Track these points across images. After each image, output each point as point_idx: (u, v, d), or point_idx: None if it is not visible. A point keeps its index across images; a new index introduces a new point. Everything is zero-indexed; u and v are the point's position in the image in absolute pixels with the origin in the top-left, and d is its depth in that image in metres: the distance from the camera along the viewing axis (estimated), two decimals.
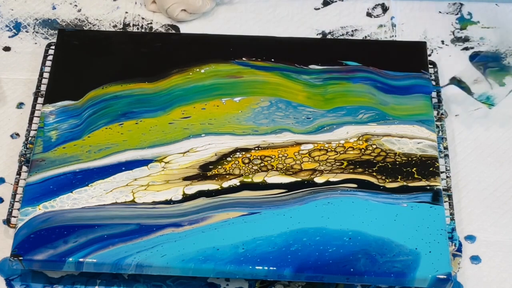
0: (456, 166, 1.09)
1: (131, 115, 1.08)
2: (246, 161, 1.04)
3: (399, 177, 1.03)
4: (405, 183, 1.03)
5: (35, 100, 1.12)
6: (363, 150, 1.05)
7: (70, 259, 0.96)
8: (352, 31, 1.21)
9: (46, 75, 1.13)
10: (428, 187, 1.02)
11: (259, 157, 1.05)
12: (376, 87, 1.11)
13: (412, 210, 1.01)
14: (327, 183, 1.02)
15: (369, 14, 1.23)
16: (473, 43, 1.20)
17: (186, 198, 1.01)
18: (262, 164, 1.04)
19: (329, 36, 1.20)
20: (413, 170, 1.04)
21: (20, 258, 0.97)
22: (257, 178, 1.03)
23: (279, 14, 1.23)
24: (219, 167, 1.04)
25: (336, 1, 1.24)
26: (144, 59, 1.14)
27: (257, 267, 0.96)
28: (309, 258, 0.97)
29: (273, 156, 1.05)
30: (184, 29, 1.21)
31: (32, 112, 1.11)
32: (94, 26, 1.21)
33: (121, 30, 1.21)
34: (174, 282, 1.00)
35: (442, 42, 1.20)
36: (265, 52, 1.14)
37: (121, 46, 1.15)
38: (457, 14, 1.23)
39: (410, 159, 1.05)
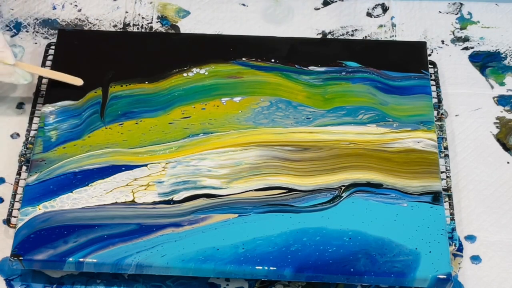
0: (456, 166, 1.09)
1: (131, 115, 1.08)
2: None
3: (399, 176, 1.03)
4: (405, 183, 1.02)
5: (35, 100, 1.12)
6: (363, 149, 1.05)
7: (70, 259, 0.96)
8: (352, 31, 1.21)
9: None
10: (428, 187, 1.02)
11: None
12: (376, 87, 1.11)
13: (412, 210, 1.00)
14: (327, 183, 1.03)
15: (369, 14, 1.23)
16: (473, 43, 1.20)
17: (186, 198, 1.01)
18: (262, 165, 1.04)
19: (329, 36, 1.20)
20: (413, 169, 1.04)
21: (20, 258, 0.97)
22: (257, 178, 1.03)
23: (279, 14, 1.23)
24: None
25: (336, 1, 1.24)
26: (144, 59, 1.14)
27: (257, 267, 0.96)
28: (309, 258, 0.97)
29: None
30: (184, 29, 1.21)
31: (32, 112, 1.11)
32: (94, 26, 1.21)
33: (121, 30, 1.21)
34: (174, 282, 1.00)
35: (442, 42, 1.20)
36: (265, 52, 1.14)
37: (121, 46, 1.15)
38: (457, 14, 1.23)
39: (410, 158, 1.05)
